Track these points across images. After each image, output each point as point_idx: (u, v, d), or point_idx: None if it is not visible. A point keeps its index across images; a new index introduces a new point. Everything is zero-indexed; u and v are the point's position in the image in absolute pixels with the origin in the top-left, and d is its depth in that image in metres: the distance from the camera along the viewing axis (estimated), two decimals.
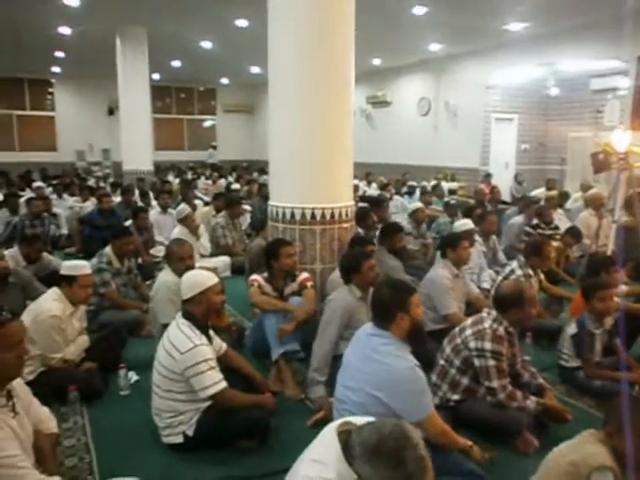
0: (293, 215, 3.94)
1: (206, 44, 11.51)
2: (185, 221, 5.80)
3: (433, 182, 10.43)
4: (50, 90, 16.72)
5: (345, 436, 1.56)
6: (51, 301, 3.28)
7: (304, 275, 3.74)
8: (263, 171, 14.35)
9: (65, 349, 3.32)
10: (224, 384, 2.61)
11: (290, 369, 3.43)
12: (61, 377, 3.16)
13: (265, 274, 3.71)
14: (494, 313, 2.88)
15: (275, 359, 3.37)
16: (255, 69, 14.91)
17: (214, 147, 17.83)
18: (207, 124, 19.30)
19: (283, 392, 3.31)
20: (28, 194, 8.58)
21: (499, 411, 2.75)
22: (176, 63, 14.00)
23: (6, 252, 4.33)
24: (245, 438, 2.74)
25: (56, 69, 15.35)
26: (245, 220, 7.60)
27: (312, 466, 1.54)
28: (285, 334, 3.35)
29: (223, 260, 6.03)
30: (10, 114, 16.15)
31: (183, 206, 6.32)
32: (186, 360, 2.54)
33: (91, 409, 3.16)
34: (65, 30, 10.32)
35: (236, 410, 2.66)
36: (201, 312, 2.72)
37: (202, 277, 2.79)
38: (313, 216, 3.91)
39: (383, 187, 9.47)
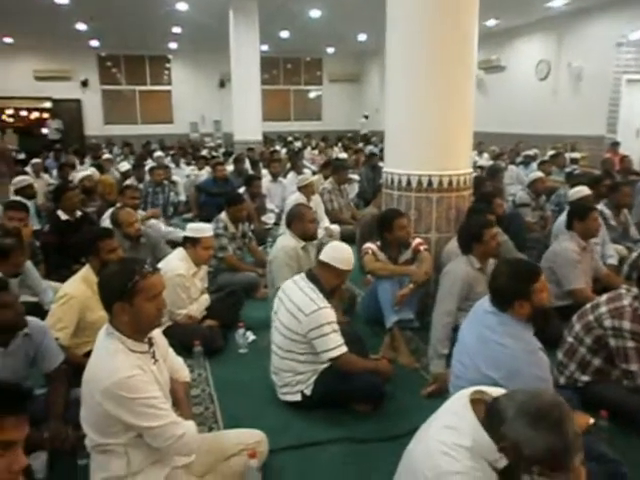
0: (409, 182, 3.83)
1: (315, 12, 11.46)
2: (306, 189, 5.89)
3: (551, 151, 9.72)
4: (167, 65, 17.63)
5: (479, 405, 1.52)
6: (177, 261, 3.48)
7: (417, 240, 3.63)
8: (368, 141, 14.23)
9: (189, 306, 3.53)
10: (345, 348, 2.63)
11: (404, 337, 3.38)
12: (186, 332, 3.37)
13: (378, 243, 3.67)
14: (635, 290, 2.62)
15: (389, 327, 3.34)
16: (362, 37, 14.65)
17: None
18: (313, 95, 19.40)
19: (396, 360, 3.29)
20: (150, 164, 9.18)
21: (638, 397, 2.52)
22: (284, 34, 14.12)
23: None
24: (361, 402, 2.76)
25: (173, 45, 16.12)
26: (353, 190, 7.58)
27: (445, 432, 1.51)
28: (402, 299, 3.30)
29: (334, 228, 6.06)
30: (133, 89, 17.30)
31: (306, 174, 6.47)
32: (310, 322, 2.59)
33: (213, 363, 3.35)
34: (182, 6, 10.75)
35: (353, 375, 2.68)
36: (329, 282, 2.75)
37: (350, 259, 2.80)
38: (430, 183, 3.78)
39: (496, 157, 8.98)
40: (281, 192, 7.31)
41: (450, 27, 3.64)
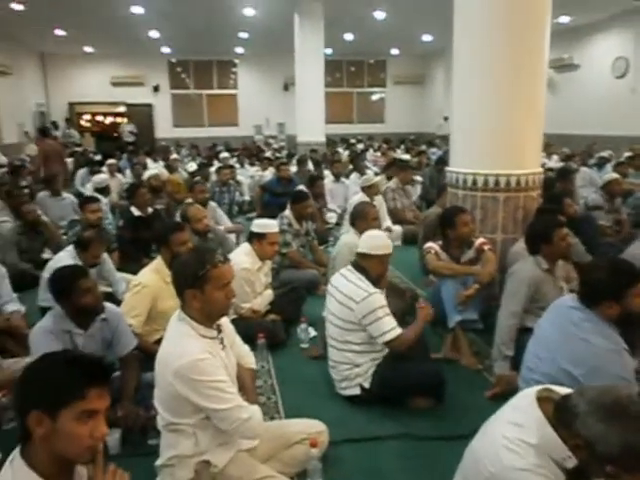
0: (475, 182, 3.76)
1: (379, 14, 11.46)
2: (370, 189, 5.91)
3: (628, 153, 9.22)
4: (233, 70, 18.13)
5: (547, 403, 1.49)
6: (243, 255, 3.59)
7: (480, 240, 3.56)
8: (432, 144, 14.02)
9: (253, 300, 3.62)
10: (400, 329, 2.68)
11: (466, 338, 3.33)
12: (250, 325, 3.45)
13: (440, 242, 3.63)
14: None
15: (451, 326, 3.29)
16: (427, 37, 14.49)
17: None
18: (375, 97, 19.36)
19: (459, 360, 3.24)
20: (216, 165, 9.47)
21: None
22: (348, 36, 14.19)
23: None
24: (421, 393, 2.76)
25: (239, 50, 16.57)
26: (415, 191, 7.51)
27: (510, 428, 1.49)
28: (466, 300, 3.25)
29: (395, 229, 6.04)
30: (201, 93, 17.91)
31: (370, 174, 6.50)
32: (363, 308, 2.65)
33: (275, 357, 3.43)
34: (249, 11, 11.04)
35: (411, 363, 2.72)
36: (374, 270, 2.81)
37: (385, 242, 2.86)
38: (497, 183, 3.70)
39: (567, 159, 8.62)
40: (343, 192, 7.35)
41: (521, 25, 3.55)
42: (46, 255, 5.11)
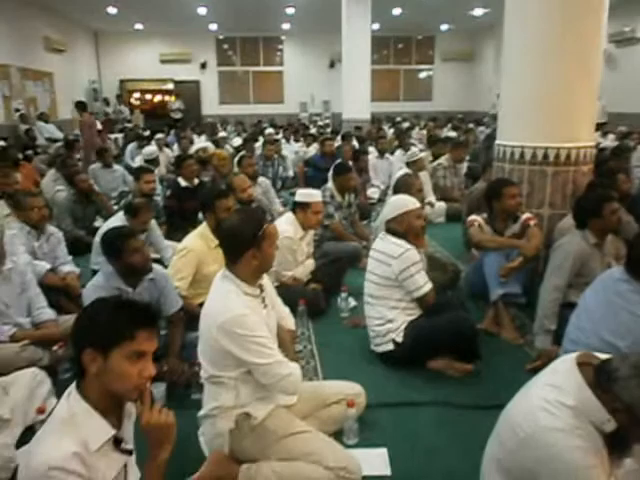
0: (522, 155, 3.66)
1: None
2: (415, 164, 5.87)
3: None
4: (279, 47, 18.12)
5: (587, 367, 1.48)
6: (286, 224, 3.64)
7: (526, 215, 3.48)
8: (480, 122, 13.67)
9: (295, 269, 3.68)
10: (431, 284, 2.82)
11: (508, 312, 3.29)
12: (291, 293, 3.50)
13: (484, 215, 3.57)
14: None
15: (493, 299, 3.25)
16: (478, 11, 14.03)
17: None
18: (423, 74, 18.98)
19: (500, 334, 3.22)
20: (261, 141, 9.56)
21: None
22: (396, 11, 13.92)
23: None
24: (455, 351, 2.80)
25: (286, 26, 16.52)
26: (462, 170, 7.37)
27: (548, 389, 1.49)
28: (510, 272, 3.21)
29: (438, 205, 5.98)
30: (247, 70, 18.01)
31: (415, 150, 6.44)
32: (400, 263, 2.77)
33: (315, 324, 3.49)
34: None
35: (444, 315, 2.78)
36: (412, 227, 2.88)
37: (406, 201, 2.98)
38: (545, 156, 3.59)
39: (624, 137, 8.25)
40: (387, 169, 7.30)
41: None
42: (98, 223, 5.32)
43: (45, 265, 3.41)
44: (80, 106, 10.19)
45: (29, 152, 9.60)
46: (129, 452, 1.48)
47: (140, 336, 1.40)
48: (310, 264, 3.81)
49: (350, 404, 2.23)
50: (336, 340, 3.27)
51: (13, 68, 11.78)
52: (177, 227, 4.82)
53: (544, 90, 3.54)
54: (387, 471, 2.13)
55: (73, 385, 1.45)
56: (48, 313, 2.98)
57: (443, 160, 6.56)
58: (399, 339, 2.80)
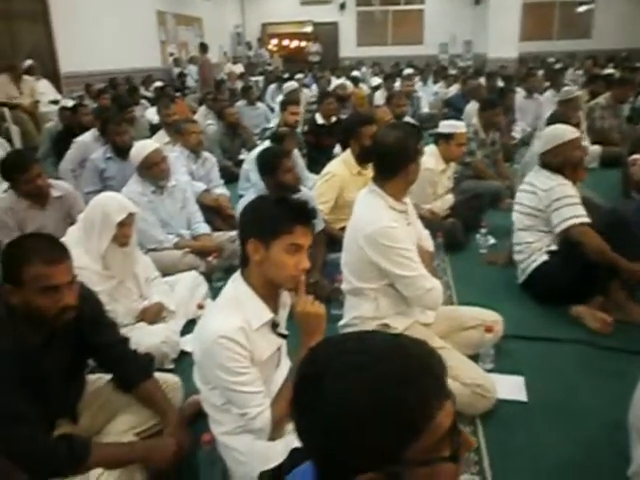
0: None
1: None
2: (568, 103, 5.40)
3: None
4: None
5: None
6: (427, 156, 3.55)
7: None
8: None
9: (433, 202, 3.63)
10: (587, 219, 2.60)
11: None
12: (429, 225, 3.47)
13: None
14: None
15: None
16: None
17: None
18: (582, 8, 16.95)
19: None
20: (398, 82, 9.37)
21: None
22: None
23: None
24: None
25: None
26: (623, 110, 6.62)
27: None
28: None
29: (593, 149, 5.46)
30: (386, 10, 17.44)
31: (570, 87, 5.97)
32: (550, 195, 2.65)
33: (452, 258, 3.47)
34: None
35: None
36: (557, 164, 2.71)
37: (564, 130, 2.79)
38: None
39: None
40: (535, 109, 6.77)
41: None
42: (242, 156, 5.67)
43: (201, 186, 3.75)
44: (202, 48, 10.80)
45: (179, 94, 10.41)
46: (284, 336, 1.63)
47: (297, 230, 1.51)
48: (449, 199, 3.74)
49: (488, 329, 2.21)
50: (474, 274, 3.23)
51: (169, 15, 12.62)
52: (316, 161, 4.97)
53: None
54: (523, 397, 2.10)
55: (238, 272, 1.61)
56: (204, 227, 3.30)
57: (602, 99, 5.91)
58: (545, 258, 2.73)
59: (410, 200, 2.26)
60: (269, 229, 1.50)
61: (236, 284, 1.58)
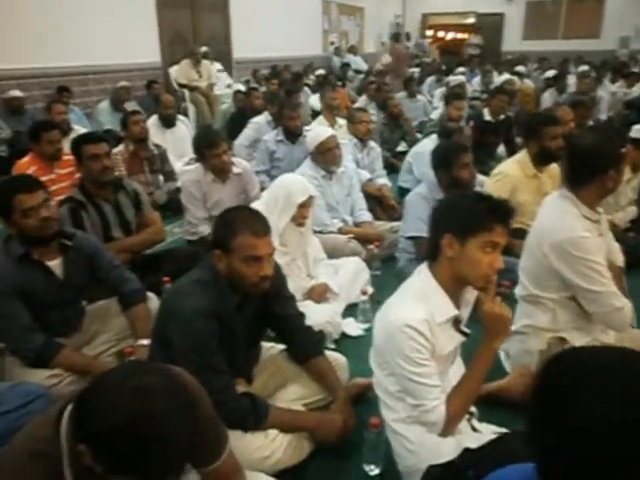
0: None
1: None
2: None
3: None
4: None
5: None
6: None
7: None
8: None
9: (615, 214, 3.34)
10: None
11: None
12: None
13: None
14: None
15: None
16: None
17: None
18: None
19: None
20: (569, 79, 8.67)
21: None
22: None
23: None
24: None
25: None
26: None
27: None
28: None
29: None
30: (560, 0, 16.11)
31: None
32: None
33: (633, 276, 3.13)
34: None
35: None
36: None
37: None
38: None
39: None
40: None
41: None
42: (401, 147, 5.67)
43: (366, 174, 3.83)
44: (393, 37, 10.89)
45: (340, 83, 10.65)
46: (465, 334, 1.61)
47: (496, 229, 1.47)
48: (632, 211, 3.41)
49: None
50: None
51: (333, 4, 12.93)
52: (477, 159, 4.80)
53: None
54: None
55: (424, 264, 1.61)
56: (367, 215, 3.37)
57: None
58: None
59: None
60: (468, 226, 1.48)
61: (422, 276, 1.59)
